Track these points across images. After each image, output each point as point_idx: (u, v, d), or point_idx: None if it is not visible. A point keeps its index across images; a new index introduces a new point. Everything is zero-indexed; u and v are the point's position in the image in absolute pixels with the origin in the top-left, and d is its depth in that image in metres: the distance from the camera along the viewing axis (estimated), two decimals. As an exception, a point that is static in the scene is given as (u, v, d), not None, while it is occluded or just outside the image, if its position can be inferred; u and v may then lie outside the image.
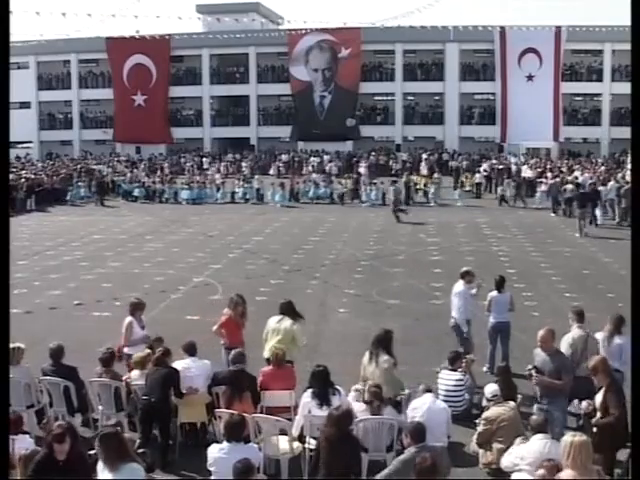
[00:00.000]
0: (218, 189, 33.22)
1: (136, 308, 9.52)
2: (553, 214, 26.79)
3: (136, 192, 33.59)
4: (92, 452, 6.12)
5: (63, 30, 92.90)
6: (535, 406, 7.57)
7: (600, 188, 25.07)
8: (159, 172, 38.62)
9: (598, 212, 24.22)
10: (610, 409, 6.85)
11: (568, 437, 5.52)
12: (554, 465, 5.66)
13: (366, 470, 7.11)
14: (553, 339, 7.78)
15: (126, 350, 9.20)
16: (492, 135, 45.52)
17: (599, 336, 8.29)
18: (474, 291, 10.56)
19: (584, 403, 7.23)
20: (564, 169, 33.58)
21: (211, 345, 9.75)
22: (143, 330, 9.42)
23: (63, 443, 5.61)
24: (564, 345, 8.27)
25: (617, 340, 8.10)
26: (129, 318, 9.37)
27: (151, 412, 7.74)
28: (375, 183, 32.15)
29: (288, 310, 9.23)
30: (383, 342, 8.35)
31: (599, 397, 7.01)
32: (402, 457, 6.11)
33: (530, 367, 7.63)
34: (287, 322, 9.08)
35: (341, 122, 45.83)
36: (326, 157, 43.03)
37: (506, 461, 6.61)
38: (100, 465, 5.70)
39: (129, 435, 6.85)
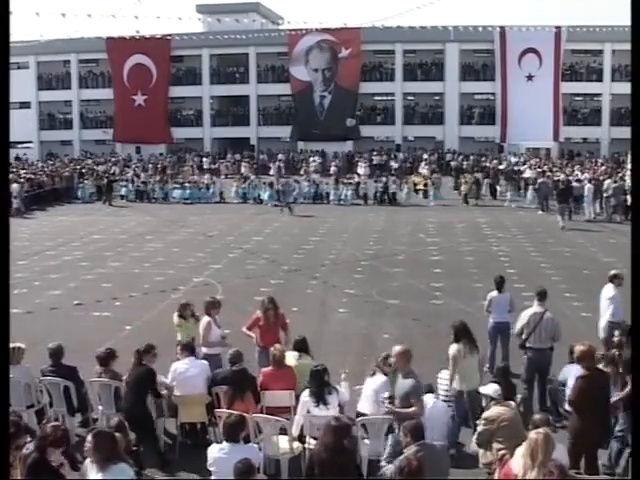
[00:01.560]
0: (208, 188, 33.26)
1: (212, 307, 9.33)
2: (541, 212, 27.33)
3: (123, 191, 33.75)
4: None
5: (63, 30, 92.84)
6: (389, 436, 7.11)
7: (589, 185, 26.07)
8: (159, 171, 38.66)
9: (590, 208, 25.55)
10: (584, 402, 7.05)
11: (533, 434, 5.54)
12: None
13: (366, 470, 7.14)
14: (408, 359, 7.25)
15: (204, 350, 9.10)
16: (492, 135, 45.51)
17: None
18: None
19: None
20: (558, 169, 33.70)
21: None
22: (220, 329, 9.26)
23: (60, 448, 5.64)
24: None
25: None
26: (207, 318, 9.21)
27: (130, 419, 7.22)
28: (350, 183, 32.53)
29: (304, 347, 8.85)
30: (469, 332, 8.44)
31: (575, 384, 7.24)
32: (404, 455, 6.11)
33: (386, 395, 7.28)
34: (308, 359, 8.81)
35: (341, 122, 45.82)
36: (310, 159, 43.20)
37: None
38: (87, 464, 5.69)
39: (132, 435, 6.84)
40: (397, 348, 7.32)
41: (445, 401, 8.14)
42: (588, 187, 25.98)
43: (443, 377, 8.83)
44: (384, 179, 32.49)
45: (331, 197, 31.49)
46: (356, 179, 33.27)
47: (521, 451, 5.53)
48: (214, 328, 9.18)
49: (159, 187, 33.54)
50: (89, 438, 5.63)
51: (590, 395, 7.07)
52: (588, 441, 7.12)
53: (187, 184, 33.53)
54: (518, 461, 5.51)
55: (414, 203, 30.72)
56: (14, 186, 30.28)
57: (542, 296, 9.39)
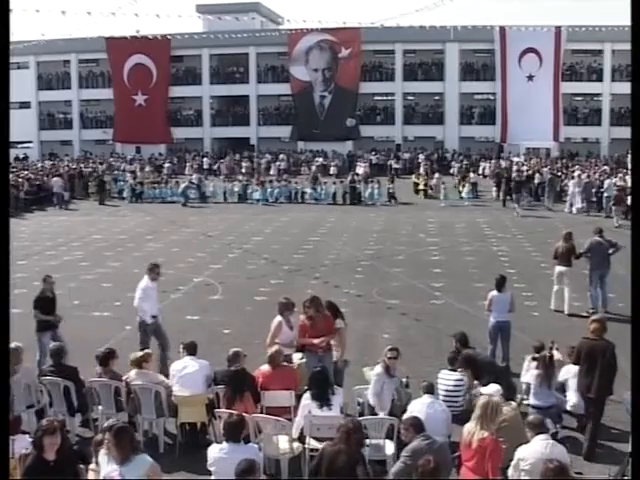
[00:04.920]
0: (199, 187, 33.13)
1: (285, 308, 9.17)
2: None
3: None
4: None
5: (63, 29, 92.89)
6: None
7: (572, 182, 28.09)
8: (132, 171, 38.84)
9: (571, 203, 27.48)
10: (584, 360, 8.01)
11: (482, 398, 6.60)
12: None
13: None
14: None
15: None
16: (492, 135, 45.52)
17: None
18: None
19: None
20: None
21: (211, 345, 9.77)
22: (292, 331, 9.06)
23: (54, 436, 5.65)
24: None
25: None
26: (278, 318, 9.09)
27: None
28: (326, 182, 32.80)
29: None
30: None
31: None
32: (411, 446, 6.11)
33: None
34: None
35: (341, 122, 45.83)
36: (281, 156, 43.58)
37: (509, 473, 6.54)
38: (103, 458, 5.71)
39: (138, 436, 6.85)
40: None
41: (445, 401, 8.13)
42: (572, 183, 27.76)
43: (443, 377, 8.83)
44: (349, 178, 32.66)
45: (306, 197, 31.88)
46: (356, 178, 33.33)
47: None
48: (285, 329, 9.03)
49: (129, 187, 33.73)
50: (110, 435, 5.63)
51: (589, 354, 7.89)
52: (591, 397, 7.93)
53: (161, 185, 34.01)
54: (467, 426, 6.34)
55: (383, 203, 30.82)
56: (55, 179, 32.12)
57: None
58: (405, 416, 7.18)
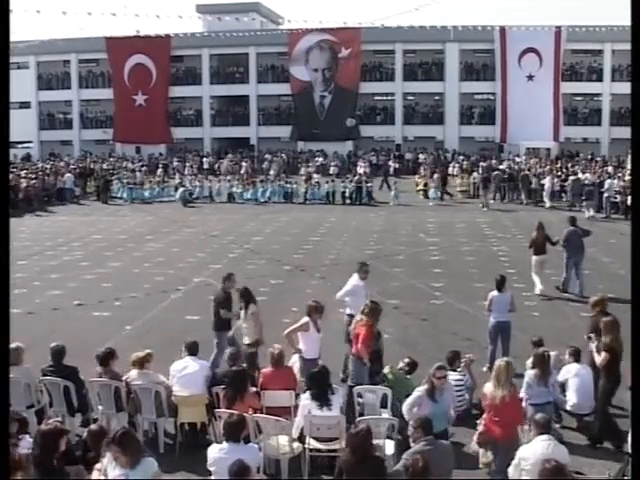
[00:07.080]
0: (176, 188, 33.05)
1: (315, 311, 9.13)
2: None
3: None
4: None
5: (63, 29, 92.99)
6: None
7: (548, 178, 29.81)
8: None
9: (547, 198, 29.05)
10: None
11: (498, 361, 7.31)
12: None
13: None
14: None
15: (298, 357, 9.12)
16: (492, 135, 45.53)
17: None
18: None
19: None
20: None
21: (211, 345, 9.75)
22: (319, 333, 9.09)
23: (57, 440, 5.64)
24: None
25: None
26: (306, 318, 9.09)
27: None
28: (318, 182, 32.99)
29: None
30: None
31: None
32: (413, 449, 6.11)
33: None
34: None
35: (341, 122, 45.84)
36: (267, 156, 43.61)
37: (510, 472, 6.53)
38: (107, 463, 5.68)
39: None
40: None
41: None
42: (547, 180, 29.55)
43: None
44: (356, 178, 32.65)
45: (300, 197, 31.86)
46: (357, 178, 33.34)
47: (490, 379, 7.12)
48: (312, 330, 8.99)
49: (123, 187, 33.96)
50: (113, 442, 5.60)
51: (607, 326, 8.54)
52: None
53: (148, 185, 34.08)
54: (488, 387, 7.07)
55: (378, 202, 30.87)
56: (67, 175, 33.11)
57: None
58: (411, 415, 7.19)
